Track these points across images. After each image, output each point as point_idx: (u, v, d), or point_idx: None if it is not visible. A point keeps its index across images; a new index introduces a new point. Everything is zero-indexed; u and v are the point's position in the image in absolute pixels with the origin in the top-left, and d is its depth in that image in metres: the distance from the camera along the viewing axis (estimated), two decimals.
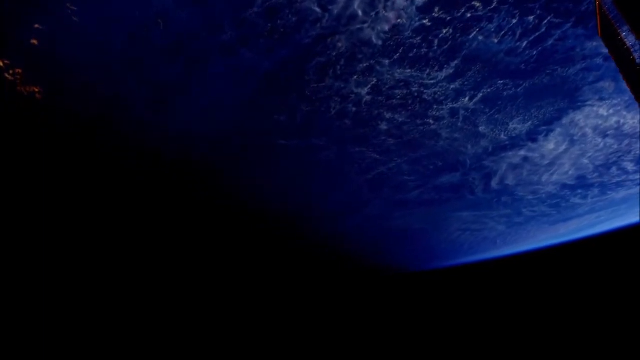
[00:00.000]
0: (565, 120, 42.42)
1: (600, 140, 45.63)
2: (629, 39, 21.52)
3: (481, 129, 42.01)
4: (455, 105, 38.11)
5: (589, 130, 44.00)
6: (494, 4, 29.09)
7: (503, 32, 31.31)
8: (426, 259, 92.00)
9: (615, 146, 46.97)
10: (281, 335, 38.53)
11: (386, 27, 29.60)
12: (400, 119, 38.81)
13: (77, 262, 40.85)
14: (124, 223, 43.14)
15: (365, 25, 29.33)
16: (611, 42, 24.10)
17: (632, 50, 21.79)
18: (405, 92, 35.57)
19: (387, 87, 34.85)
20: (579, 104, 40.17)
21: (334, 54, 31.31)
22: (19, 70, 29.77)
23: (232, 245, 57.11)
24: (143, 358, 34.46)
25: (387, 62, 32.46)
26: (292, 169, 47.01)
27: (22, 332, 31.84)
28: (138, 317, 45.28)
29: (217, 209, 49.31)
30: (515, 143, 45.56)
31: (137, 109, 35.73)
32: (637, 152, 48.46)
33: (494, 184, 53.84)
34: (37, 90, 31.20)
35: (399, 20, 29.33)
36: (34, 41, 28.64)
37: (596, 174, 53.96)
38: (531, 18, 30.33)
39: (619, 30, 22.24)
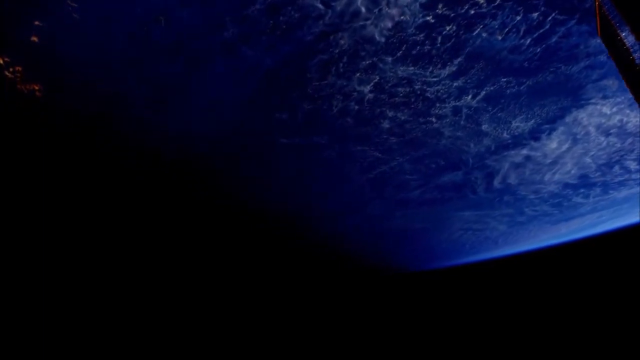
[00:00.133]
0: (568, 119, 42.22)
1: (603, 138, 45.41)
2: (629, 40, 21.44)
3: (484, 127, 41.80)
4: (458, 104, 37.90)
5: (592, 129, 43.79)
6: (498, 1, 28.91)
7: (507, 29, 31.10)
8: (427, 258, 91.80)
9: (618, 145, 46.75)
10: (281, 335, 38.32)
11: (389, 24, 29.39)
12: (403, 117, 38.59)
13: (77, 261, 40.61)
14: (124, 223, 42.90)
15: (368, 22, 29.12)
16: (611, 42, 24.06)
17: (631, 50, 21.72)
18: (407, 89, 35.36)
19: (389, 84, 34.63)
20: (582, 102, 39.97)
21: (337, 51, 31.10)
22: (19, 68, 29.55)
23: (233, 245, 56.89)
24: (143, 358, 34.25)
25: (389, 59, 32.24)
26: (293, 168, 46.81)
27: (22, 332, 31.60)
28: (138, 317, 45.05)
29: (217, 209, 49.11)
30: (517, 142, 45.36)
31: (138, 108, 35.51)
32: None
33: (496, 183, 53.65)
34: (37, 88, 30.98)
35: (402, 17, 29.12)
36: (34, 38, 28.42)
37: (599, 173, 53.74)
38: (535, 15, 30.12)
39: (618, 31, 22.17)
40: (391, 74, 33.47)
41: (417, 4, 28.36)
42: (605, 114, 41.30)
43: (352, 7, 27.95)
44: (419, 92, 35.73)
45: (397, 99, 36.20)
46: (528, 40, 32.39)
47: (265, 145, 41.89)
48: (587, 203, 63.65)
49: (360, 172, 47.78)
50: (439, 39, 31.11)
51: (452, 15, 29.54)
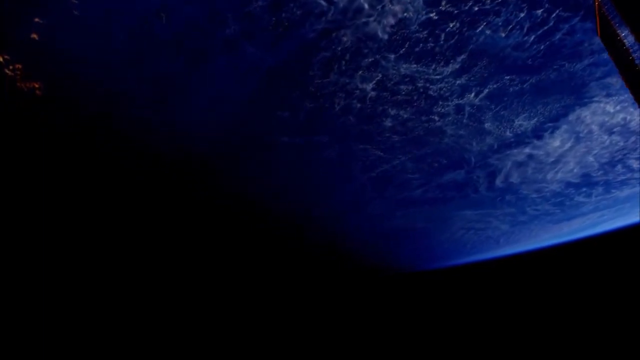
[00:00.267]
0: (571, 117, 42.02)
1: (606, 137, 45.21)
2: (628, 40, 21.33)
3: (486, 125, 41.58)
4: (460, 101, 37.68)
5: (595, 127, 43.58)
6: None
7: (510, 26, 30.89)
8: (428, 258, 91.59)
9: (621, 143, 46.55)
10: (282, 335, 38.08)
11: (392, 21, 29.17)
12: (405, 116, 38.37)
13: (77, 261, 40.37)
14: (124, 222, 42.67)
15: (371, 19, 28.90)
16: (610, 42, 24.00)
17: (631, 51, 21.64)
18: (410, 87, 35.13)
19: (392, 82, 34.41)
20: (586, 100, 39.77)
21: (339, 48, 30.89)
22: (19, 66, 29.29)
23: (233, 245, 56.66)
24: (143, 358, 34.04)
25: (392, 56, 32.02)
26: (294, 167, 46.58)
27: (22, 332, 31.36)
28: (138, 317, 44.82)
29: (217, 209, 48.87)
30: (520, 140, 45.18)
31: (138, 107, 35.28)
32: None
33: (499, 182, 53.43)
34: (37, 86, 30.72)
35: (405, 14, 28.90)
36: (34, 35, 28.17)
37: (601, 172, 53.55)
38: (539, 11, 29.93)
39: (618, 31, 22.09)
40: (394, 71, 33.25)
41: (421, 0, 28.16)
42: (608, 112, 41.10)
43: (355, 4, 27.74)
44: (421, 90, 35.52)
45: (399, 96, 35.98)
46: (532, 38, 32.18)
47: (266, 144, 41.67)
48: (589, 202, 63.47)
49: (362, 171, 47.56)
50: (442, 36, 30.90)
51: (456, 12, 29.33)
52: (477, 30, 30.98)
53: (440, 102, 37.29)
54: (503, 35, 31.55)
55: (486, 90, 37.01)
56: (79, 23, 28.56)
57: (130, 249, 45.37)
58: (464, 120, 40.22)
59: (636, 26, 19.80)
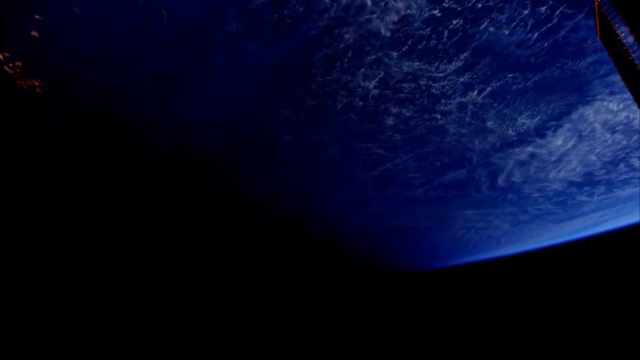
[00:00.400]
0: (574, 115, 41.80)
1: (609, 136, 44.99)
2: (628, 40, 21.25)
3: (489, 124, 41.37)
4: (463, 100, 37.46)
5: (598, 126, 43.36)
6: None
7: (514, 23, 30.68)
8: (429, 258, 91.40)
9: (624, 142, 46.34)
10: (282, 335, 37.90)
11: (395, 18, 28.96)
12: (407, 114, 38.15)
13: (77, 261, 40.16)
14: (124, 221, 42.46)
15: (374, 16, 28.69)
16: (610, 43, 23.95)
17: (630, 51, 21.58)
18: (413, 85, 34.91)
19: (394, 80, 34.20)
20: (589, 98, 39.54)
21: (342, 45, 30.67)
22: (19, 63, 29.07)
23: (233, 246, 56.46)
24: (143, 358, 33.88)
25: (395, 54, 31.81)
26: (296, 166, 46.37)
27: (22, 332, 31.17)
28: (138, 317, 44.63)
29: (217, 209, 48.66)
30: (523, 139, 44.94)
31: (139, 105, 35.06)
32: None
33: (501, 181, 53.20)
34: (37, 84, 30.51)
35: (408, 11, 28.69)
36: (35, 33, 27.96)
37: (603, 171, 53.34)
38: (543, 8, 29.70)
39: (617, 32, 22.04)
40: (396, 69, 33.04)
41: None
42: (612, 110, 40.89)
43: (357, 0, 27.54)
44: (424, 87, 35.30)
45: (402, 95, 35.76)
46: (535, 35, 31.96)
47: (267, 143, 41.46)
48: (591, 201, 63.27)
49: (363, 170, 47.35)
50: (446, 33, 30.69)
51: (459, 9, 29.13)
52: (481, 28, 30.78)
53: (443, 100, 37.08)
54: (506, 32, 31.34)
55: (489, 88, 36.81)
56: (79, 20, 28.35)
57: (130, 249, 45.16)
58: (467, 119, 40.02)
59: (636, 26, 19.80)
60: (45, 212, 35.53)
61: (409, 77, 34.02)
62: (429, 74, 34.01)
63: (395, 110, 37.58)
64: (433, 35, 30.71)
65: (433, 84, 35.07)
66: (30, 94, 31.03)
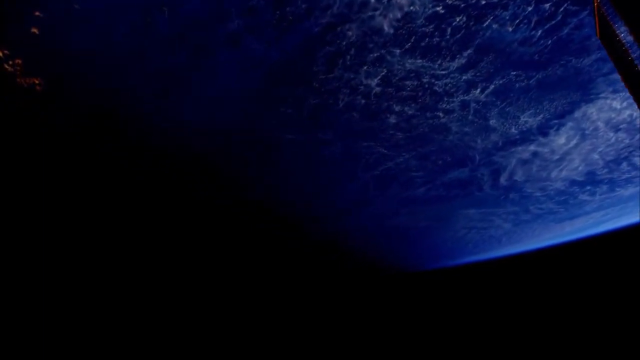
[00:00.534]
0: (577, 114, 41.59)
1: (612, 134, 44.77)
2: (627, 40, 21.22)
3: (492, 122, 41.15)
4: (466, 98, 37.24)
5: (601, 124, 43.14)
6: None
7: (518, 20, 30.46)
8: (430, 257, 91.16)
9: (627, 140, 46.13)
10: (283, 335, 37.69)
11: (398, 15, 28.74)
12: (410, 112, 37.92)
13: (77, 260, 39.96)
14: (124, 221, 42.26)
15: (377, 13, 28.46)
16: (609, 43, 23.92)
17: (630, 51, 21.54)
18: (415, 83, 34.69)
19: (397, 78, 33.96)
20: (592, 96, 39.32)
21: (344, 43, 30.44)
22: (18, 61, 28.83)
23: (233, 246, 56.25)
24: (143, 358, 33.70)
25: (398, 51, 31.58)
26: (297, 165, 46.15)
27: (22, 332, 30.96)
28: (138, 317, 44.45)
29: (217, 209, 48.43)
30: (525, 137, 44.75)
31: (140, 103, 34.82)
32: None
33: (503, 180, 53.02)
34: (37, 82, 30.27)
35: (411, 8, 28.46)
36: (34, 30, 27.72)
37: (606, 170, 53.14)
38: (547, 5, 29.48)
39: (617, 32, 22.01)
40: (399, 66, 32.81)
41: None
42: (615, 108, 40.66)
43: None
44: (426, 85, 35.07)
45: (404, 92, 35.53)
46: (539, 32, 31.75)
47: (269, 141, 41.22)
48: (593, 201, 63.07)
49: (365, 169, 47.11)
50: (449, 30, 30.46)
51: (463, 5, 28.91)
52: (484, 25, 30.56)
53: (446, 98, 36.86)
54: (510, 29, 31.12)
55: (492, 86, 36.60)
56: (80, 17, 28.10)
57: (130, 249, 44.96)
58: (469, 117, 39.79)
59: (635, 26, 19.75)
60: (45, 212, 35.31)
61: (412, 74, 33.80)
62: (432, 72, 33.79)
63: (397, 108, 37.36)
64: (436, 33, 30.49)
65: (436, 82, 34.85)
66: (30, 92, 30.79)
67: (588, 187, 58.30)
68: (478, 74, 34.78)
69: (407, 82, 34.54)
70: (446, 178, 50.78)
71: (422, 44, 31.20)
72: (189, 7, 28.89)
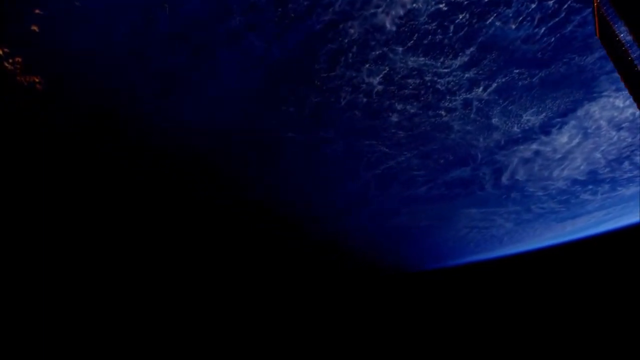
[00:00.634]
0: (580, 112, 41.40)
1: (614, 133, 44.60)
2: (627, 41, 21.22)
3: (494, 121, 40.97)
4: (468, 96, 37.04)
5: (603, 123, 42.96)
6: None
7: (521, 18, 30.27)
8: (431, 257, 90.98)
9: (629, 139, 45.96)
10: (283, 335, 37.52)
11: (401, 12, 28.55)
12: (412, 110, 37.72)
13: (77, 261, 39.78)
14: (124, 221, 42.09)
15: (380, 10, 28.28)
16: (609, 43, 23.93)
17: (630, 51, 21.52)
18: (417, 81, 34.50)
19: (399, 76, 33.78)
20: (595, 94, 39.14)
21: (346, 40, 30.26)
22: (18, 59, 28.64)
23: (233, 246, 56.09)
24: (143, 358, 33.53)
25: (400, 49, 31.39)
26: (298, 164, 45.98)
27: (22, 332, 30.77)
28: (138, 317, 44.28)
29: (217, 209, 48.27)
30: (527, 136, 44.57)
31: (140, 102, 34.65)
32: None
33: (504, 179, 52.85)
34: (37, 80, 30.07)
35: (414, 5, 28.28)
36: (35, 28, 27.52)
37: (608, 169, 52.99)
38: (550, 2, 29.29)
39: (616, 32, 22.01)
40: (401, 64, 32.62)
41: None
42: (617, 107, 40.48)
43: None
44: (429, 83, 34.88)
45: (406, 91, 35.35)
46: (542, 30, 31.56)
47: (269, 140, 41.04)
48: (594, 200, 62.92)
49: (367, 168, 46.92)
50: (452, 27, 30.28)
51: (466, 2, 28.72)
52: (487, 22, 30.38)
53: (448, 97, 36.67)
54: (513, 27, 30.94)
55: (494, 84, 36.42)
56: (80, 15, 27.92)
57: (130, 249, 44.79)
58: (472, 116, 39.62)
59: (635, 27, 19.72)
60: (45, 212, 35.12)
61: (414, 72, 33.61)
62: (434, 70, 33.60)
63: (399, 106, 37.18)
64: (439, 30, 30.31)
65: (438, 80, 34.66)
66: (30, 90, 30.60)
67: (590, 187, 58.17)
68: (481, 72, 34.62)
69: (410, 80, 34.37)
70: (448, 177, 50.64)
71: (425, 41, 31.04)
72: (191, 5, 28.72)
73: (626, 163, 52.05)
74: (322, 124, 38.95)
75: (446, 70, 33.78)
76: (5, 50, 27.75)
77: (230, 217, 50.92)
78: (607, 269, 36.10)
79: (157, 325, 44.71)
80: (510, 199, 59.23)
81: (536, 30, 31.58)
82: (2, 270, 32.22)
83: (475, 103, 38.12)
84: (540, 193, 58.52)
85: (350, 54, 31.41)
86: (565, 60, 34.93)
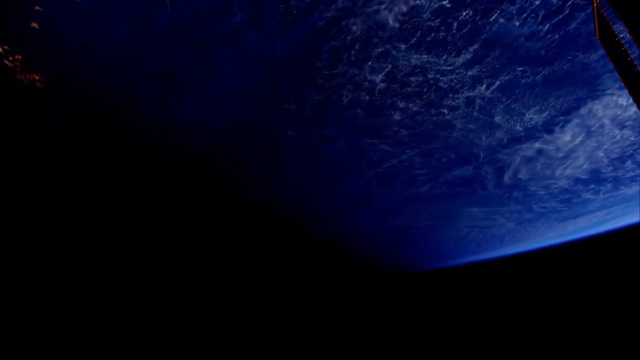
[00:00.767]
0: (583, 110, 41.20)
1: (617, 131, 44.41)
2: (627, 41, 21.23)
3: (496, 119, 40.77)
4: (471, 94, 36.83)
5: (606, 121, 42.77)
6: None
7: (525, 15, 30.06)
8: (432, 257, 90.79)
9: (632, 138, 45.78)
10: (283, 335, 37.35)
11: (404, 9, 28.32)
12: (415, 109, 37.50)
13: (77, 261, 39.58)
14: (124, 221, 41.87)
15: (382, 7, 28.05)
16: (609, 43, 23.94)
17: (629, 52, 21.49)
18: (420, 79, 34.28)
19: (402, 74, 33.55)
20: (599, 92, 38.94)
21: (349, 37, 30.01)
22: (18, 57, 28.41)
23: (233, 246, 55.91)
24: (143, 358, 33.38)
25: (403, 46, 31.16)
26: (299, 164, 45.76)
27: (22, 332, 30.58)
28: (138, 317, 44.11)
29: (217, 209, 48.06)
30: (530, 134, 44.37)
31: (141, 101, 34.42)
32: None
33: (507, 178, 52.66)
34: (37, 78, 29.85)
35: (417, 1, 28.05)
36: (35, 25, 27.29)
37: (610, 168, 52.80)
38: None
39: (616, 32, 22.02)
40: (404, 62, 32.39)
41: None
42: (621, 105, 40.29)
43: None
44: (432, 81, 34.66)
45: (409, 88, 35.13)
46: (546, 27, 31.34)
47: (270, 139, 40.82)
48: (596, 199, 62.74)
49: (368, 166, 46.68)
50: (455, 24, 30.05)
51: None
52: (491, 19, 30.17)
53: (451, 95, 36.45)
54: (517, 24, 30.72)
55: (497, 82, 36.21)
56: (81, 13, 27.70)
57: (130, 249, 44.59)
58: (474, 114, 39.41)
59: (635, 27, 19.70)
60: (45, 212, 34.91)
61: (417, 70, 33.38)
62: (437, 67, 33.37)
63: (402, 104, 36.95)
64: (442, 27, 30.08)
65: (441, 78, 34.44)
66: (30, 88, 30.37)
67: (592, 186, 57.99)
68: (484, 69, 34.41)
69: (412, 78, 34.15)
70: (450, 176, 50.43)
71: (428, 38, 30.81)
72: (191, 4, 28.49)
73: (629, 162, 51.87)
74: (324, 123, 38.73)
75: (449, 68, 33.57)
76: (5, 47, 27.53)
77: (230, 217, 50.71)
78: (608, 269, 35.94)
79: (158, 324, 44.57)
80: (512, 198, 59.08)
81: (540, 27, 31.38)
82: (2, 270, 32.03)
83: (478, 101, 37.92)
84: (542, 192, 58.38)
85: (353, 52, 31.19)
86: (569, 57, 34.76)
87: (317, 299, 79.77)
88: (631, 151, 49.12)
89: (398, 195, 53.76)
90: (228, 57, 32.26)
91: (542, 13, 30.10)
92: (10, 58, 28.23)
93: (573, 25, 31.48)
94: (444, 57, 32.53)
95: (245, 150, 42.03)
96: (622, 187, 59.46)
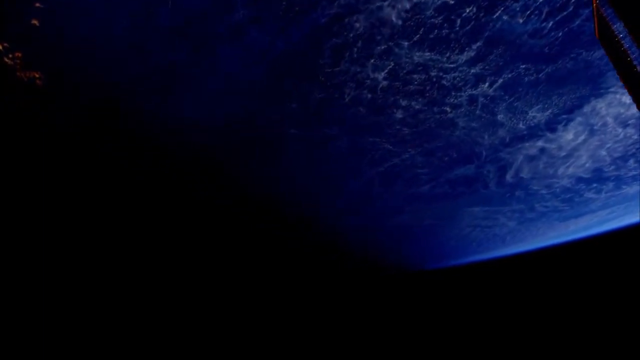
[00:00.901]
0: (586, 109, 40.97)
1: (620, 130, 44.17)
2: (626, 41, 21.11)
3: (499, 117, 40.54)
4: (474, 92, 36.60)
5: (609, 120, 42.54)
6: None
7: (529, 12, 29.82)
8: (433, 256, 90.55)
9: (635, 136, 45.53)
10: (284, 334, 37.19)
11: (407, 5, 28.11)
12: (417, 107, 37.28)
13: (78, 260, 39.41)
14: (124, 221, 41.70)
15: (385, 3, 27.85)
16: (608, 43, 23.86)
17: (629, 52, 21.35)
18: (423, 77, 34.07)
19: (404, 71, 33.34)
20: (602, 90, 38.72)
21: (351, 35, 29.80)
22: (18, 54, 28.19)
23: (233, 246, 55.72)
24: (143, 358, 33.21)
25: (406, 44, 30.94)
26: (300, 162, 45.52)
27: (22, 332, 30.40)
28: (138, 316, 43.95)
29: (217, 209, 47.84)
30: (533, 133, 44.11)
31: (141, 98, 34.18)
32: None
33: (509, 177, 52.42)
34: (37, 75, 29.63)
35: None
36: (35, 21, 27.08)
37: (613, 167, 52.57)
38: None
39: (616, 32, 21.92)
40: (407, 59, 32.17)
41: None
42: (624, 103, 40.06)
43: None
44: (434, 79, 34.45)
45: (411, 86, 34.91)
46: (550, 24, 31.12)
47: (271, 137, 40.59)
48: (598, 199, 62.49)
49: (370, 165, 46.47)
50: (458, 22, 29.83)
51: None
52: (494, 16, 29.95)
53: (453, 93, 36.23)
54: (521, 21, 30.50)
55: (500, 80, 35.99)
56: (81, 8, 27.47)
57: (130, 248, 44.42)
58: (477, 112, 39.19)
59: (634, 28, 19.64)
60: (45, 211, 34.73)
61: (420, 68, 33.16)
62: (440, 65, 33.15)
63: (404, 102, 36.73)
64: (445, 24, 29.86)
65: (444, 76, 34.22)
66: (30, 86, 30.17)
67: (594, 185, 57.74)
68: (487, 67, 34.18)
69: (415, 76, 33.92)
70: (452, 175, 50.18)
71: (431, 36, 30.59)
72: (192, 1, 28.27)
73: (631, 161, 51.63)
74: (326, 121, 38.52)
75: (452, 66, 33.35)
76: (5, 45, 27.31)
77: (231, 217, 50.51)
78: (609, 268, 35.78)
79: (158, 324, 44.40)
80: (514, 197, 58.83)
81: (544, 24, 31.16)
82: (3, 269, 31.86)
83: (481, 99, 37.69)
84: (544, 191, 58.13)
85: (355, 49, 30.97)
86: (572, 55, 34.54)
87: (317, 298, 79.58)
88: (634, 150, 48.89)
89: (400, 194, 53.55)
90: (229, 53, 32.01)
91: (546, 10, 29.89)
92: (10, 56, 28.02)
93: (577, 23, 31.28)
94: (447, 54, 32.31)
95: (246, 148, 41.80)
96: (624, 186, 59.24)
